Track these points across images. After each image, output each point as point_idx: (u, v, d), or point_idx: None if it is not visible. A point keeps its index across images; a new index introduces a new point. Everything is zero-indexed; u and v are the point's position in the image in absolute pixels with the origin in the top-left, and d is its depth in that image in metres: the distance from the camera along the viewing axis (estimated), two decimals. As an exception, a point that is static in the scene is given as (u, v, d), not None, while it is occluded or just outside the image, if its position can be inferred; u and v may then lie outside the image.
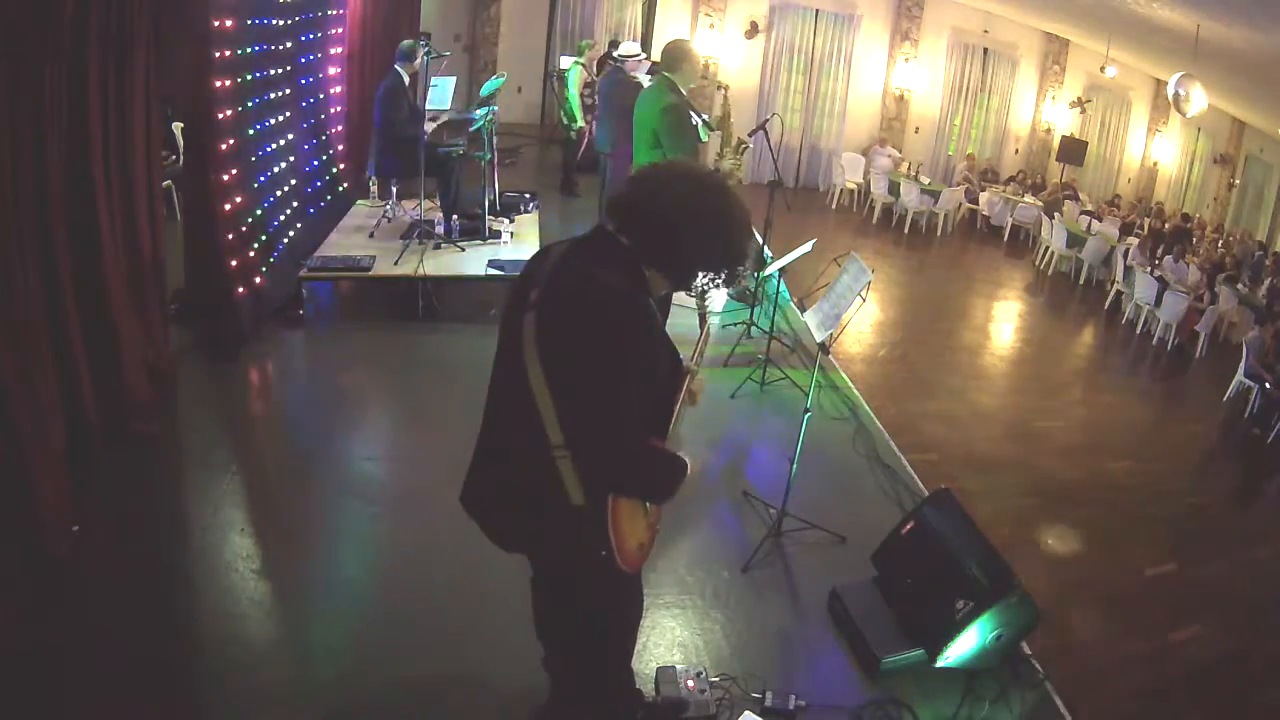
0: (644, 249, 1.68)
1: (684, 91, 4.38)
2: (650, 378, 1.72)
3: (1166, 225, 10.34)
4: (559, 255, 1.71)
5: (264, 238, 4.74)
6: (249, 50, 4.37)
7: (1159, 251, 8.96)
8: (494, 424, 1.80)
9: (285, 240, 5.09)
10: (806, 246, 4.35)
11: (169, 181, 5.27)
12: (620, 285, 1.64)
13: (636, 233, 1.68)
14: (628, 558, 1.75)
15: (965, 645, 2.71)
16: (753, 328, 5.42)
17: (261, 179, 4.77)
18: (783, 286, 5.36)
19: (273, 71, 4.84)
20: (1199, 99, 6.97)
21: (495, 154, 6.06)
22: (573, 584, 1.90)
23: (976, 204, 11.29)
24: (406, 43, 5.73)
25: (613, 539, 1.70)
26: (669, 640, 2.83)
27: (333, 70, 6.46)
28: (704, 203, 1.66)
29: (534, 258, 1.80)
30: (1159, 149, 12.54)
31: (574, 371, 1.61)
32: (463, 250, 5.52)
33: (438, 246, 5.49)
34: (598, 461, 1.65)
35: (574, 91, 7.95)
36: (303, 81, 5.47)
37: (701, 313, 2.06)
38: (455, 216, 5.77)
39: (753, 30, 11.18)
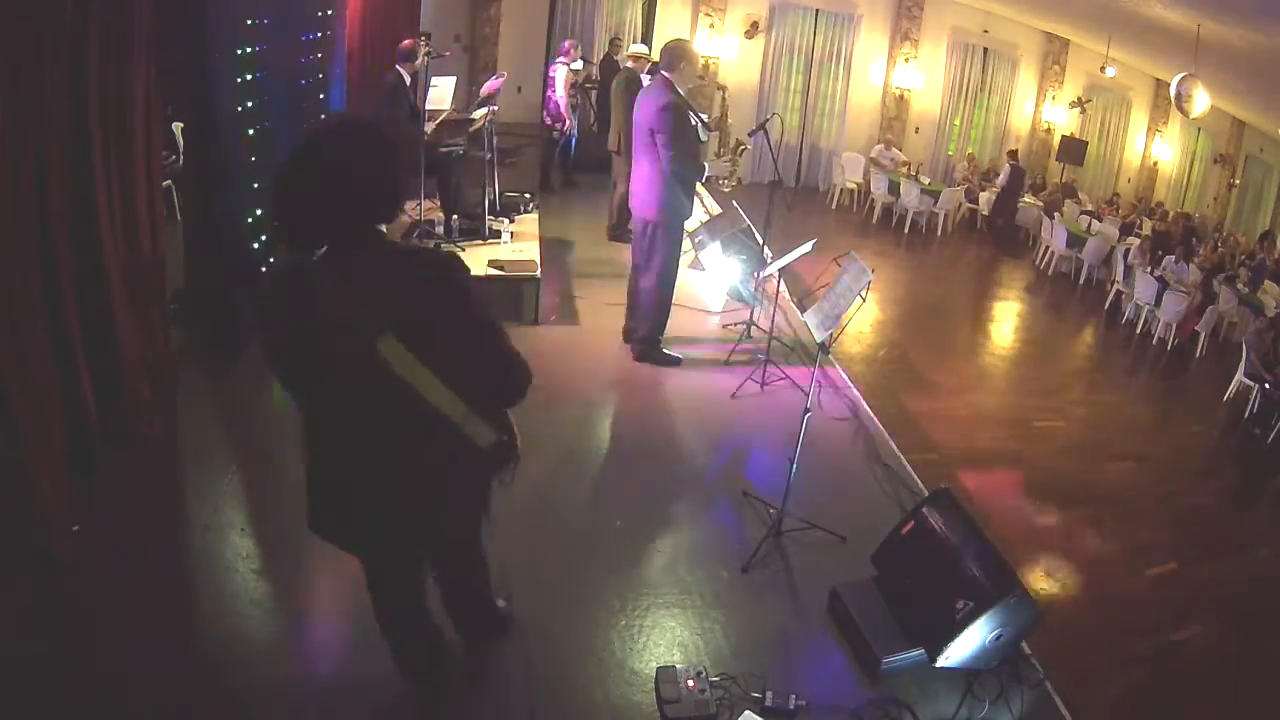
0: (368, 220, 1.71)
1: (682, 91, 4.39)
2: None
3: (1171, 227, 10.33)
4: (351, 282, 1.66)
5: (264, 238, 4.73)
6: (249, 50, 4.37)
7: (1158, 252, 8.96)
8: (374, 448, 1.80)
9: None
10: (806, 246, 4.35)
11: (169, 181, 5.27)
12: (409, 249, 1.86)
13: (353, 216, 1.69)
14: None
15: (965, 645, 2.71)
16: (752, 328, 5.42)
17: (261, 179, 4.76)
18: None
19: (273, 71, 4.83)
20: (1202, 100, 6.96)
21: (495, 154, 6.07)
22: (471, 510, 2.06)
23: (976, 204, 11.29)
24: (407, 43, 5.74)
25: (518, 441, 1.94)
26: (669, 640, 2.83)
27: (333, 70, 6.45)
28: (360, 151, 1.67)
29: (295, 304, 1.72)
30: (1159, 149, 12.54)
31: (461, 334, 1.75)
32: (463, 250, 5.53)
33: (438, 246, 5.50)
34: (513, 383, 1.87)
35: (562, 93, 7.96)
36: (303, 81, 5.46)
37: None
38: (455, 216, 5.77)
39: (753, 30, 11.18)
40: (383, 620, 2.22)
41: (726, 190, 5.28)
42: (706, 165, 4.60)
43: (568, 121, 8.06)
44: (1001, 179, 10.84)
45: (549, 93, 8.10)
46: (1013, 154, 11.12)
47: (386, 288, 1.68)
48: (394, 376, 1.67)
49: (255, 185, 4.60)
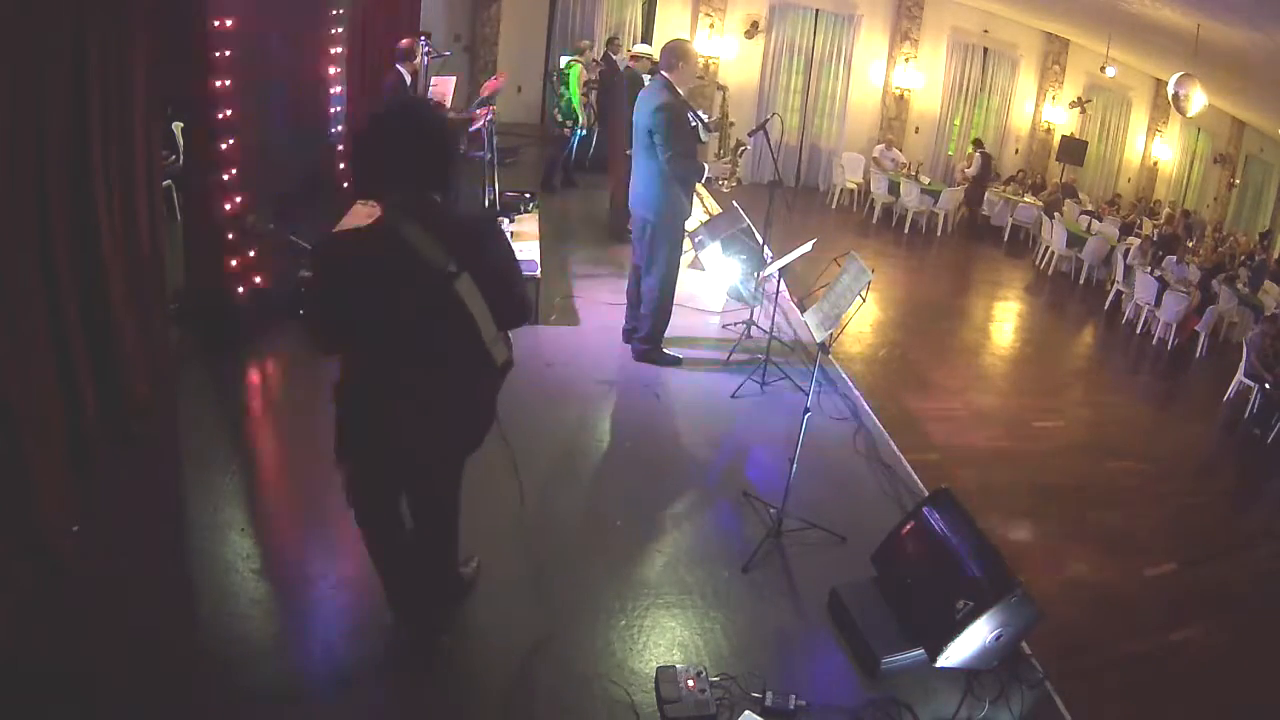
0: (430, 184, 2.12)
1: (681, 91, 4.39)
2: None
3: (1175, 229, 10.35)
4: (417, 236, 2.02)
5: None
6: (249, 50, 4.37)
7: (1159, 254, 8.96)
8: (419, 373, 2.15)
9: (285, 240, 5.08)
10: (806, 246, 4.35)
11: (169, 181, 5.26)
12: (468, 212, 2.34)
13: (419, 182, 2.10)
14: None
15: (965, 645, 2.71)
16: (752, 328, 5.42)
17: (261, 179, 4.76)
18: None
19: (273, 71, 4.83)
20: (1199, 99, 6.98)
21: (495, 154, 6.06)
22: (460, 456, 2.38)
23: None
24: (405, 42, 5.75)
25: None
26: (669, 640, 2.83)
27: (333, 70, 6.45)
28: (424, 130, 2.10)
29: (379, 252, 2.07)
30: (1159, 149, 12.54)
31: (504, 275, 2.18)
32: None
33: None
34: (526, 311, 2.33)
35: (576, 90, 7.97)
36: (303, 81, 5.46)
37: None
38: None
39: (753, 30, 11.18)
40: (371, 537, 2.47)
41: (725, 191, 5.29)
42: (706, 166, 4.60)
43: (582, 118, 8.09)
44: (972, 169, 11.05)
45: (563, 89, 8.12)
46: (978, 143, 11.31)
47: (456, 237, 2.07)
48: (460, 306, 2.06)
49: (255, 185, 4.61)
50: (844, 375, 5.26)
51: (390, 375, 2.16)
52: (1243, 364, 6.72)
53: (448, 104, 6.31)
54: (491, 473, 3.48)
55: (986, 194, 11.29)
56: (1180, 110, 7.29)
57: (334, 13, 6.12)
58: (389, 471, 2.32)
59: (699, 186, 6.00)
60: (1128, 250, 8.88)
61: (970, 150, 12.07)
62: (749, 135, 5.16)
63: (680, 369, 4.87)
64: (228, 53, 4.07)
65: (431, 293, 2.05)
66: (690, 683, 2.57)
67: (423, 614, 2.57)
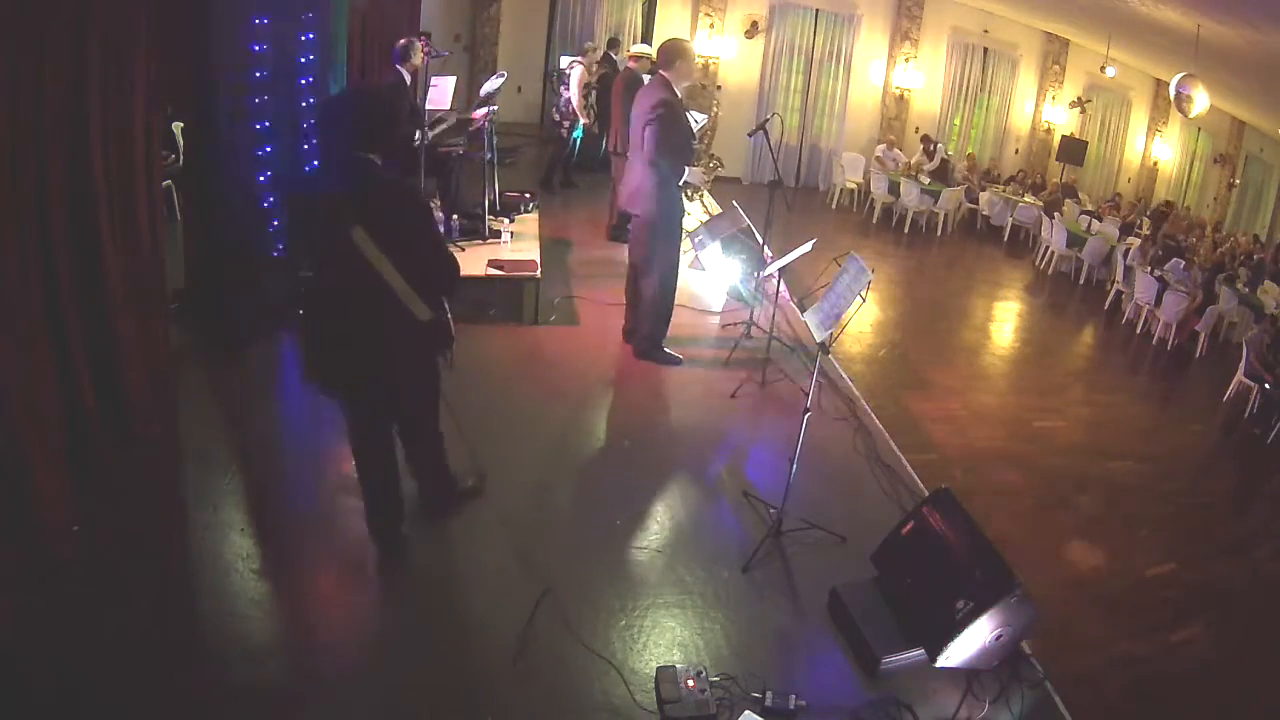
0: (372, 151, 2.50)
1: (679, 90, 4.40)
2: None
3: (1180, 230, 10.37)
4: (335, 191, 2.47)
5: (264, 237, 4.73)
6: (249, 50, 4.36)
7: (1160, 255, 8.95)
8: (352, 313, 2.58)
9: (285, 240, 5.08)
10: (806, 246, 4.35)
11: (169, 181, 5.26)
12: (393, 180, 2.64)
13: (370, 147, 2.50)
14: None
15: (965, 645, 2.71)
16: (752, 328, 5.42)
17: (261, 179, 4.76)
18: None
19: (273, 71, 4.83)
20: (1202, 100, 6.96)
21: (495, 154, 6.06)
22: (424, 381, 2.85)
23: (976, 204, 11.30)
24: (401, 42, 5.74)
25: (452, 326, 2.75)
26: (669, 640, 2.83)
27: (333, 70, 6.44)
28: (378, 103, 2.68)
29: (304, 214, 2.64)
30: (1159, 149, 12.53)
31: (413, 237, 2.53)
32: (463, 250, 5.52)
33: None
34: (447, 278, 2.66)
35: (575, 90, 7.98)
36: (303, 81, 5.46)
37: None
38: (455, 216, 5.77)
39: (753, 30, 11.18)
40: (361, 467, 2.95)
41: (691, 198, 5.31)
42: (687, 170, 4.60)
43: (583, 118, 8.10)
44: (930, 164, 11.21)
45: (563, 89, 8.14)
46: (926, 139, 11.58)
47: (365, 195, 2.46)
48: (358, 252, 2.41)
49: (255, 185, 4.60)
50: (844, 375, 5.27)
51: (328, 311, 2.63)
52: (1243, 364, 6.72)
53: (447, 104, 6.30)
54: (491, 475, 3.49)
55: (986, 196, 11.31)
56: (1183, 111, 7.27)
57: (334, 13, 6.11)
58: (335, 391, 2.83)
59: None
60: (1128, 250, 8.88)
61: (970, 152, 12.08)
62: (749, 135, 5.16)
63: (680, 368, 4.87)
64: (228, 53, 4.06)
65: (332, 237, 2.44)
66: (690, 683, 2.57)
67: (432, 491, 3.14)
